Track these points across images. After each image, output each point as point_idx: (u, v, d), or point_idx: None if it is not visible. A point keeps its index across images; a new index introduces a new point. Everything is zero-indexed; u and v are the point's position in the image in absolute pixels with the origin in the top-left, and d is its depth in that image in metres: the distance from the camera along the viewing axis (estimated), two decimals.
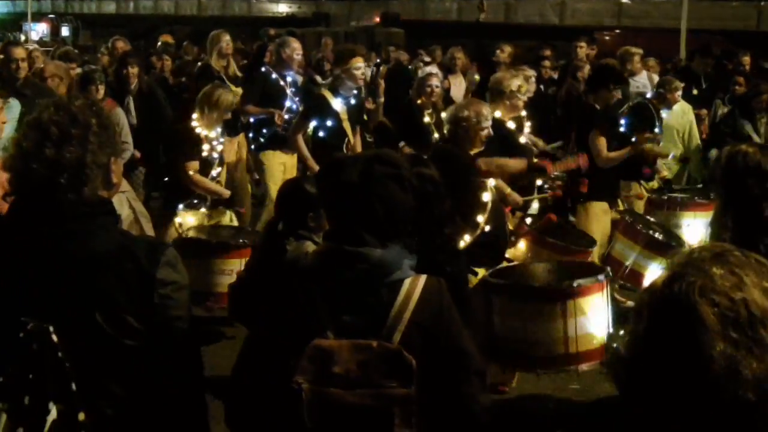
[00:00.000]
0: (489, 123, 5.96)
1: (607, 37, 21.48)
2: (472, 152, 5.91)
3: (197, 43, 14.02)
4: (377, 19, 25.76)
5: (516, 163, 6.38)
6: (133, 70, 8.99)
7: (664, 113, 8.88)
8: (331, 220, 2.66)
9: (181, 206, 7.05)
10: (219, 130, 7.20)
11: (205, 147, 7.11)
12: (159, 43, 12.93)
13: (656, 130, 8.55)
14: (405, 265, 2.56)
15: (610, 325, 5.23)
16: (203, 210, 7.06)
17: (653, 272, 7.20)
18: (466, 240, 5.36)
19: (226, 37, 9.59)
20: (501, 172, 6.17)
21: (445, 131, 6.13)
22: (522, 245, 6.27)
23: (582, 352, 5.04)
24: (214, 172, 7.20)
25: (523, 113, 7.63)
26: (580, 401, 5.97)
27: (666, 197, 8.11)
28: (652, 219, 7.72)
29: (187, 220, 6.94)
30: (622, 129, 8.19)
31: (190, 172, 6.95)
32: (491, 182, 5.88)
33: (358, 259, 2.51)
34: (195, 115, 7.09)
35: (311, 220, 4.68)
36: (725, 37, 15.58)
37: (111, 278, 2.30)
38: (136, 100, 8.82)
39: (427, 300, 2.53)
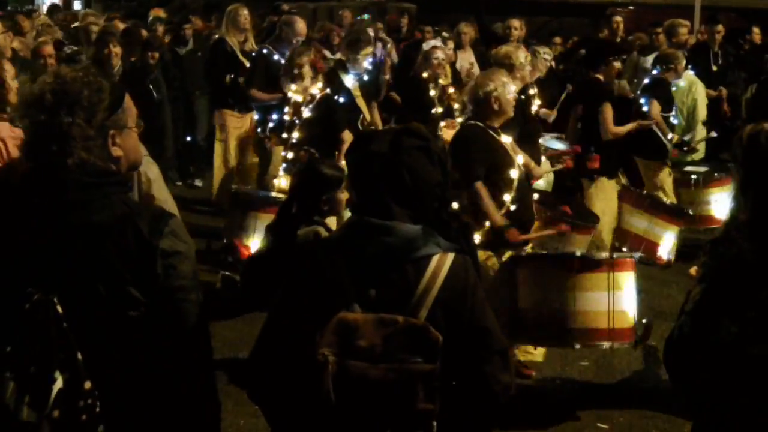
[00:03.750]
0: (514, 89, 5.96)
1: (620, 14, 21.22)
2: (500, 123, 5.90)
3: (209, 16, 13.93)
4: None
5: (495, 216, 5.60)
6: (115, 50, 8.52)
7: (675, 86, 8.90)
8: (358, 193, 2.67)
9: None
10: (315, 91, 7.17)
11: (287, 110, 7.24)
12: (150, 18, 12.52)
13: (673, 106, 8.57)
14: (432, 241, 2.57)
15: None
16: None
17: (667, 241, 7.25)
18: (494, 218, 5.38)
19: (245, 11, 9.46)
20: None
21: (471, 107, 6.08)
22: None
23: (618, 329, 5.10)
24: (294, 135, 7.19)
25: (533, 91, 7.64)
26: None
27: (690, 174, 8.18)
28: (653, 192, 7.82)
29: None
30: (645, 108, 8.24)
31: None
32: (520, 159, 5.88)
33: (383, 232, 2.53)
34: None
35: (324, 203, 4.69)
36: (739, 15, 15.41)
37: (111, 249, 2.32)
38: (119, 82, 8.38)
39: (453, 278, 2.55)
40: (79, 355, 2.24)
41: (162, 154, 8.77)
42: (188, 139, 10.94)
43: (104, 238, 2.32)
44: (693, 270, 5.27)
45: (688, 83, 9.11)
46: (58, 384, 2.21)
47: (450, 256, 2.58)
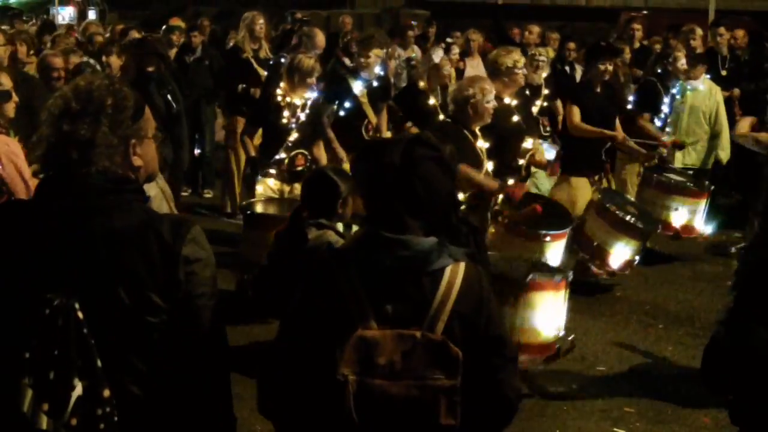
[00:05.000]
0: (493, 97, 6.16)
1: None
2: (477, 126, 6.19)
3: (220, 24, 13.97)
4: None
5: (488, 182, 6.25)
6: (111, 59, 8.41)
7: (688, 89, 8.84)
8: (370, 205, 2.62)
9: (259, 177, 7.28)
10: (309, 95, 7.23)
11: (285, 114, 7.19)
12: (164, 27, 12.62)
13: (663, 107, 8.52)
14: (444, 252, 2.55)
15: (562, 325, 5.44)
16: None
17: (618, 251, 7.23)
18: None
19: (261, 20, 9.52)
20: (469, 184, 6.12)
21: (450, 110, 6.26)
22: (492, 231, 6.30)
23: (523, 344, 5.20)
24: (291, 138, 7.20)
25: (542, 82, 8.12)
26: None
27: (658, 177, 8.11)
28: (630, 198, 7.84)
29: (269, 183, 7.18)
30: (629, 106, 8.26)
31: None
32: (490, 166, 6.23)
33: (398, 245, 2.50)
34: (281, 84, 7.27)
35: (340, 206, 4.75)
36: (753, 18, 15.32)
37: (133, 255, 2.32)
38: None
39: (468, 288, 2.53)
40: (99, 362, 2.25)
41: (178, 165, 8.78)
42: (196, 148, 10.91)
43: (127, 244, 2.33)
44: None
45: (708, 87, 9.11)
46: (77, 391, 2.21)
47: (462, 266, 2.55)
